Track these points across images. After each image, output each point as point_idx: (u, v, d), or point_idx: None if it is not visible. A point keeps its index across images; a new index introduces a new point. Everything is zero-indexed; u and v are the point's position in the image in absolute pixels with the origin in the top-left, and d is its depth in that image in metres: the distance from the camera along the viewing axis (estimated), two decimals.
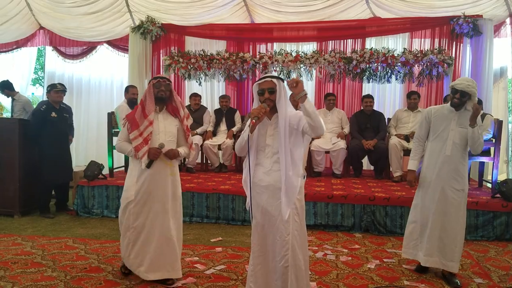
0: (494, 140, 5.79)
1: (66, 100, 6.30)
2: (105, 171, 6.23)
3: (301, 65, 7.50)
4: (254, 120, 2.76)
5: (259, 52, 7.83)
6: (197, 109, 7.23)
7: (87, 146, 8.86)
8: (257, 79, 7.86)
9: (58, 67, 9.02)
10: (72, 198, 5.99)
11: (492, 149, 5.85)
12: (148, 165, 3.48)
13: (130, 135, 3.50)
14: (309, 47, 7.87)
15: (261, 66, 7.60)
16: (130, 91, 6.38)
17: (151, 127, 3.49)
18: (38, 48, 9.35)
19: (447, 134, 3.63)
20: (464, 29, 7.02)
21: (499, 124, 5.69)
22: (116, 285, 3.53)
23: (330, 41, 7.70)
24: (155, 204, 3.54)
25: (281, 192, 2.82)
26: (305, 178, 2.94)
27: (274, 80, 2.89)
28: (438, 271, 3.84)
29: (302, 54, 7.52)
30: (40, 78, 12.38)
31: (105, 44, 8.67)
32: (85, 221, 5.58)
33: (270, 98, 2.85)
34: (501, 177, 6.49)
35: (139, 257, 3.56)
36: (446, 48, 7.23)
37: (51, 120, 5.64)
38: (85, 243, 4.61)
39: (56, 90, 5.72)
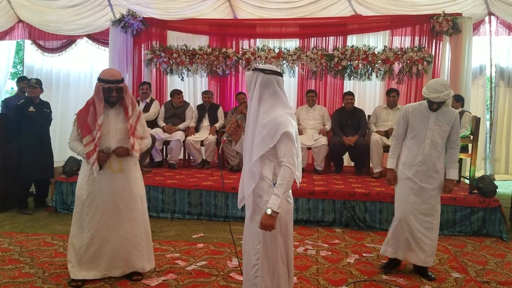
0: (472, 137, 5.89)
1: (45, 94, 6.16)
2: None
3: (284, 62, 7.53)
4: (224, 138, 2.53)
5: (242, 48, 7.82)
6: (180, 105, 7.19)
7: (65, 142, 8.69)
8: (239, 75, 7.98)
9: (37, 61, 8.88)
10: (51, 194, 5.91)
11: (470, 145, 5.96)
12: (100, 168, 3.37)
13: (83, 140, 3.38)
14: (291, 44, 7.90)
15: (244, 62, 7.60)
16: None
17: (100, 132, 3.34)
18: (17, 41, 9.16)
19: (425, 133, 3.63)
20: (444, 27, 7.10)
21: (477, 121, 5.80)
22: (95, 282, 3.49)
23: (312, 38, 7.74)
24: (108, 204, 3.42)
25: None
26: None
27: (250, 73, 2.57)
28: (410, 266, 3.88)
29: (285, 50, 7.55)
30: (19, 72, 12.15)
31: (85, 38, 8.55)
32: (64, 217, 5.49)
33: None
34: (479, 173, 6.62)
35: (94, 259, 3.44)
36: (426, 46, 7.33)
37: (28, 114, 5.53)
38: (64, 240, 4.53)
39: (30, 84, 5.57)
